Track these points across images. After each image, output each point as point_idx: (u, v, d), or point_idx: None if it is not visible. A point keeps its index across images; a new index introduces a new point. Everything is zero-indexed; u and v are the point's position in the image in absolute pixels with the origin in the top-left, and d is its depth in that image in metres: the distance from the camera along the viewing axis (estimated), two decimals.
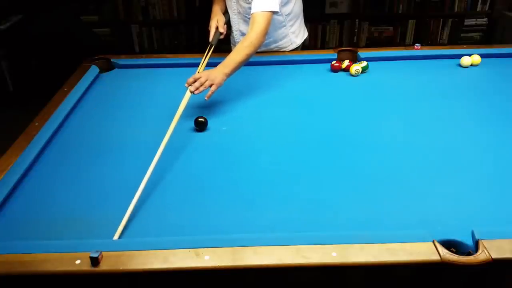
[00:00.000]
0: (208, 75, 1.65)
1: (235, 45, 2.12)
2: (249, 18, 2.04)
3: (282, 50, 2.21)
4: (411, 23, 4.25)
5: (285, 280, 1.06)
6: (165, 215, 1.21)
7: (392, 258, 1.00)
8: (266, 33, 1.87)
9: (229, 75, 1.71)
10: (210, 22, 2.13)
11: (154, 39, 4.25)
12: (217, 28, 2.07)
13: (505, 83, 1.91)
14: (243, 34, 2.16)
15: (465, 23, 4.26)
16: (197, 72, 1.73)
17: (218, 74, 1.67)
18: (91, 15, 4.06)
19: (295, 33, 2.21)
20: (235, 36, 2.21)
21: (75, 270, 0.99)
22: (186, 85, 1.64)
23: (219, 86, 1.67)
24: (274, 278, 1.05)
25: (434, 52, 2.20)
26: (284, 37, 2.18)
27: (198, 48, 3.99)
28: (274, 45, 2.18)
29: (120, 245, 1.05)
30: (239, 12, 2.12)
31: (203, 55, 1.93)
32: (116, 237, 1.13)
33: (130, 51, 4.16)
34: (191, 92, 1.63)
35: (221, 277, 1.03)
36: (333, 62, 2.05)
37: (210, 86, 1.65)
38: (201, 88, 1.63)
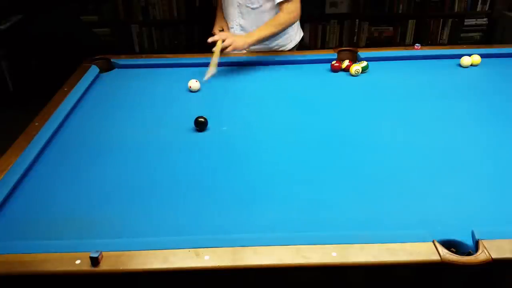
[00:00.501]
0: (231, 36, 1.90)
1: None
2: (252, 9, 2.08)
3: (282, 48, 2.22)
4: (411, 23, 4.25)
5: (285, 280, 1.06)
6: (165, 215, 1.20)
7: (392, 258, 1.00)
8: (298, 15, 1.99)
9: (250, 44, 1.93)
10: (214, 29, 2.15)
11: (154, 39, 4.26)
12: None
13: (505, 83, 1.91)
14: (242, 29, 2.16)
15: (465, 23, 4.27)
16: (219, 32, 2.00)
17: (240, 40, 1.90)
18: (91, 15, 4.06)
19: (294, 30, 2.23)
20: (235, 32, 2.21)
21: (75, 270, 0.99)
22: (218, 37, 1.90)
23: (236, 49, 1.89)
24: (274, 278, 1.05)
25: (434, 52, 2.20)
26: (284, 34, 2.18)
27: (198, 48, 4.00)
28: (275, 43, 2.19)
29: (120, 245, 1.05)
30: (238, 5, 2.12)
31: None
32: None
33: (130, 51, 4.16)
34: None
35: (221, 277, 1.03)
36: (333, 62, 2.05)
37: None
38: (229, 44, 1.86)
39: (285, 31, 2.16)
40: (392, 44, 4.26)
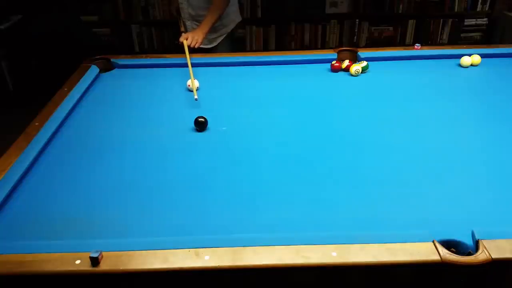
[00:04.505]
0: (190, 34, 2.27)
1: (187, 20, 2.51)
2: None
3: (225, 28, 2.50)
4: (411, 23, 4.25)
5: (285, 280, 1.06)
6: (165, 215, 1.21)
7: (392, 258, 1.00)
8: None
9: (207, 33, 2.32)
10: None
11: (154, 39, 4.25)
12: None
13: (505, 83, 1.91)
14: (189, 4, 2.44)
15: (465, 23, 4.27)
16: (183, 34, 2.30)
17: (199, 33, 2.28)
18: (91, 15, 4.06)
19: (235, 13, 2.56)
20: (184, 6, 2.47)
21: (75, 270, 0.99)
22: (181, 39, 2.24)
23: (199, 42, 2.27)
24: (274, 278, 1.05)
25: (434, 52, 2.20)
26: (227, 16, 2.46)
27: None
28: (219, 23, 2.43)
29: (120, 245, 1.05)
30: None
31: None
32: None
33: (130, 51, 4.16)
34: (183, 43, 2.20)
35: (221, 277, 1.03)
36: (333, 62, 2.05)
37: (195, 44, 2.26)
38: (193, 42, 2.24)
39: (227, 14, 2.45)
40: (392, 44, 4.26)
